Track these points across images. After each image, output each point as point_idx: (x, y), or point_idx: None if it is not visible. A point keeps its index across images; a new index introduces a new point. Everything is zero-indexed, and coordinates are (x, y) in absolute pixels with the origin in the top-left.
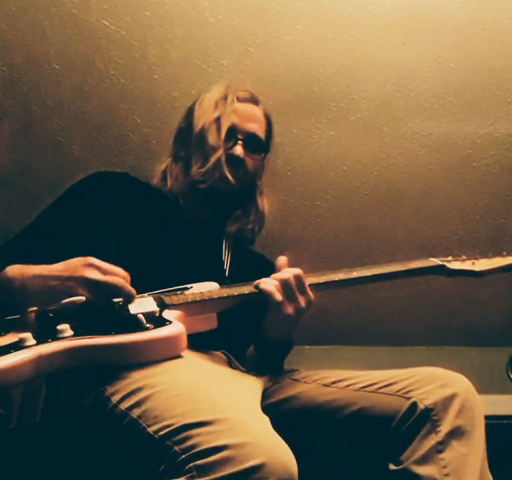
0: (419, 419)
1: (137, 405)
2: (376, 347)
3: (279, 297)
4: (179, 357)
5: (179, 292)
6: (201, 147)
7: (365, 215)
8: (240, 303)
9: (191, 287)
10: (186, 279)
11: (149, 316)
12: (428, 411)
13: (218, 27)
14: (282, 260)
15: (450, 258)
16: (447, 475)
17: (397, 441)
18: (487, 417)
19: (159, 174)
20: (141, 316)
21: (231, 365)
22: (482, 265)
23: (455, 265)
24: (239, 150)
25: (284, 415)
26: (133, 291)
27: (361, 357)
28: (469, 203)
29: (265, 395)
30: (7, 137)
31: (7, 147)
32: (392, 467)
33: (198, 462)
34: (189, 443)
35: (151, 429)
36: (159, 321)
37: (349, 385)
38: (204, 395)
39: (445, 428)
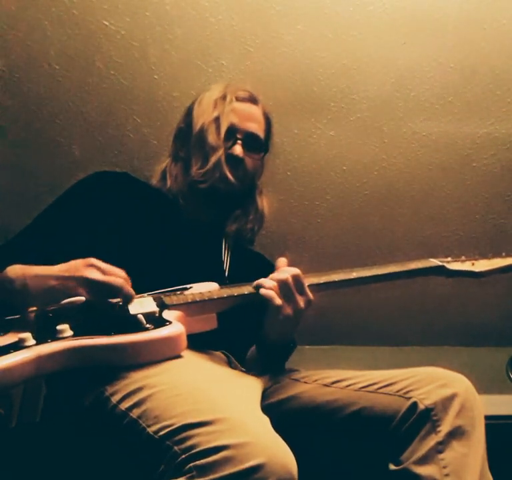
0: (419, 419)
1: (137, 405)
2: (376, 346)
3: (278, 301)
4: (178, 357)
5: (178, 292)
6: (201, 146)
7: (364, 215)
8: (240, 303)
9: (191, 287)
10: (186, 279)
11: (149, 316)
12: (428, 411)
13: (218, 27)
14: (281, 261)
15: (449, 258)
16: (447, 475)
17: (397, 441)
18: (487, 417)
19: (159, 174)
20: (140, 316)
21: (230, 365)
22: (481, 265)
23: (455, 266)
24: (238, 149)
25: (284, 415)
26: (132, 291)
27: (361, 357)
28: (468, 203)
29: (265, 394)
30: (7, 137)
31: (6, 147)
32: (392, 467)
33: (198, 462)
34: (189, 443)
35: (150, 429)
36: (159, 321)
37: (349, 385)
38: (204, 394)
39: (445, 428)
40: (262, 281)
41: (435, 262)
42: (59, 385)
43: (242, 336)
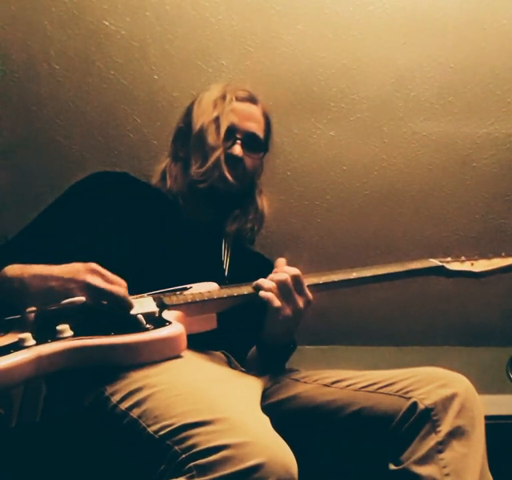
0: (419, 419)
1: (137, 404)
2: (376, 346)
3: (277, 303)
4: (178, 357)
5: (178, 292)
6: (200, 146)
7: (364, 215)
8: (239, 303)
9: (191, 287)
10: (185, 279)
11: (149, 316)
12: (428, 411)
13: (218, 27)
14: (281, 262)
15: (449, 259)
16: (447, 475)
17: (397, 441)
18: (487, 417)
19: (158, 174)
20: (140, 316)
21: (230, 365)
22: (481, 265)
23: (455, 266)
24: (237, 149)
25: (284, 415)
26: (132, 303)
27: (361, 357)
28: (468, 203)
29: (265, 394)
30: (7, 137)
31: (6, 147)
32: (392, 467)
33: (198, 462)
34: (189, 442)
35: (150, 429)
36: (159, 322)
37: (349, 385)
38: (204, 394)
39: (445, 428)
40: (261, 281)
41: (434, 262)
42: (59, 385)
43: (242, 336)
